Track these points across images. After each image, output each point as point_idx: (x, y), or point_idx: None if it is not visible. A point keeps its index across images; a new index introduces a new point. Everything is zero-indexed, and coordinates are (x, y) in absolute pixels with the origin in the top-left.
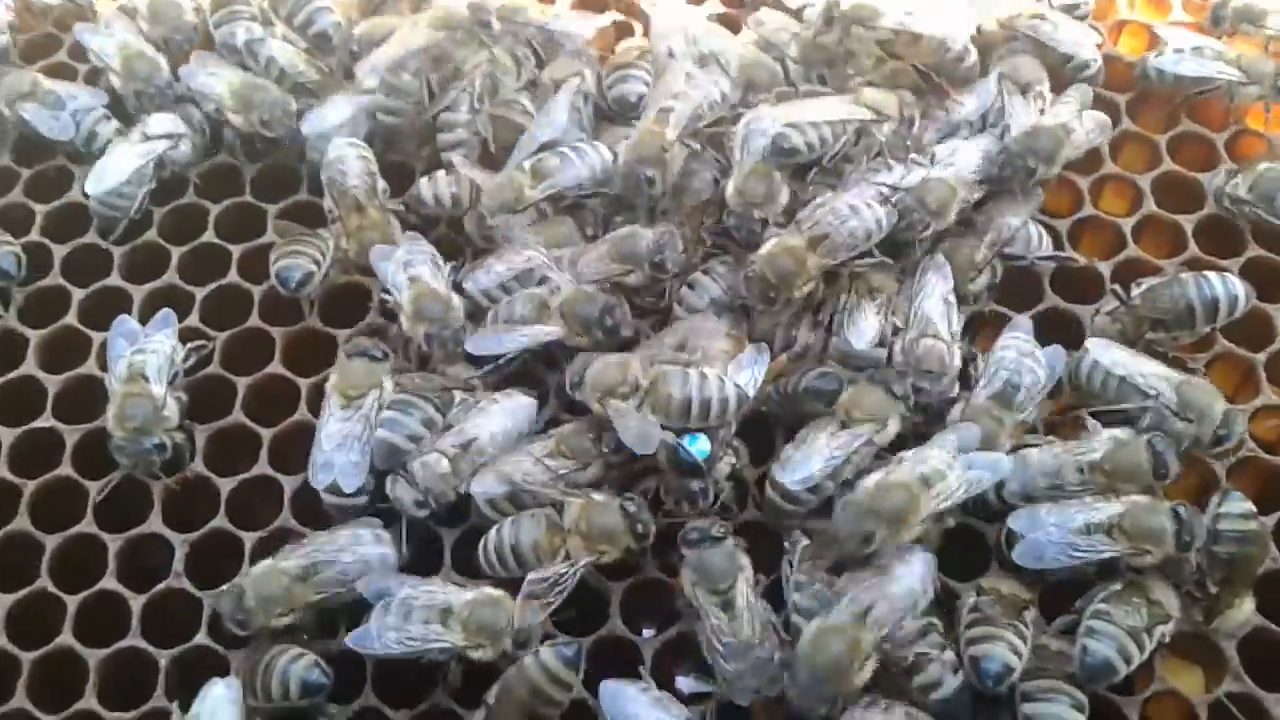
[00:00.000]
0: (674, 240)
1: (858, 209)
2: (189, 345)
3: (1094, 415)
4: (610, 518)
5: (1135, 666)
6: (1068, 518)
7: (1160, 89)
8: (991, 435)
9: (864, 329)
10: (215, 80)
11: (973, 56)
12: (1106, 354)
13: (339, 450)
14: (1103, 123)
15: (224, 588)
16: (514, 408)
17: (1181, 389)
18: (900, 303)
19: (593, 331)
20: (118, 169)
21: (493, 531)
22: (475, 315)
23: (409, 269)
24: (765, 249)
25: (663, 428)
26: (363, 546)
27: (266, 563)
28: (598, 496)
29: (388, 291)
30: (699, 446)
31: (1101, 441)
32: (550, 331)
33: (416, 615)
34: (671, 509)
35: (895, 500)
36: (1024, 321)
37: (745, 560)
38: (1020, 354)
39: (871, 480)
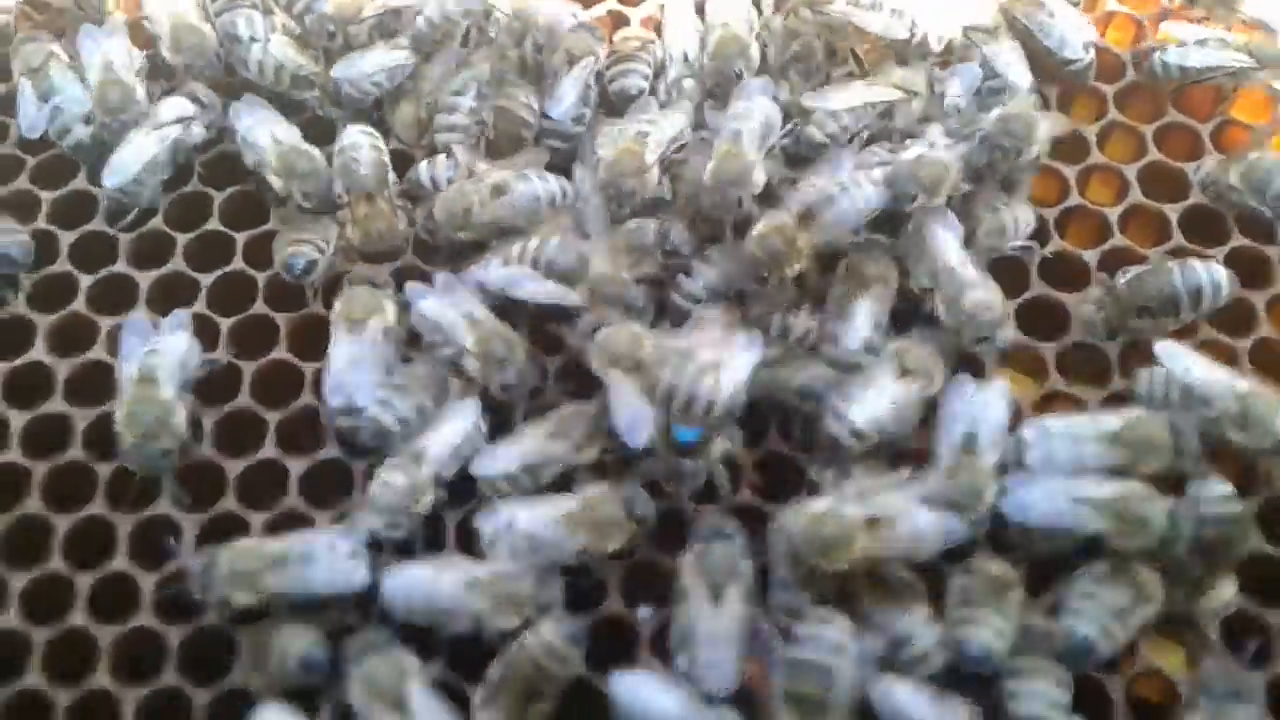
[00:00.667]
0: (674, 225)
1: (847, 187)
2: (203, 358)
3: None
4: (610, 509)
5: (1119, 647)
6: (1063, 486)
7: (1166, 83)
8: (969, 486)
9: (857, 327)
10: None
11: (920, 34)
12: (1178, 360)
13: (350, 370)
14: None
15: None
16: (457, 410)
17: (1246, 400)
18: (911, 261)
19: (617, 307)
20: (135, 157)
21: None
22: None
23: (459, 306)
24: (756, 228)
25: None
26: (338, 560)
27: (252, 540)
28: (593, 490)
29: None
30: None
31: (1121, 414)
32: (569, 296)
33: (447, 579)
34: (667, 490)
35: (830, 532)
36: (964, 379)
37: (747, 566)
38: (968, 401)
39: (820, 504)
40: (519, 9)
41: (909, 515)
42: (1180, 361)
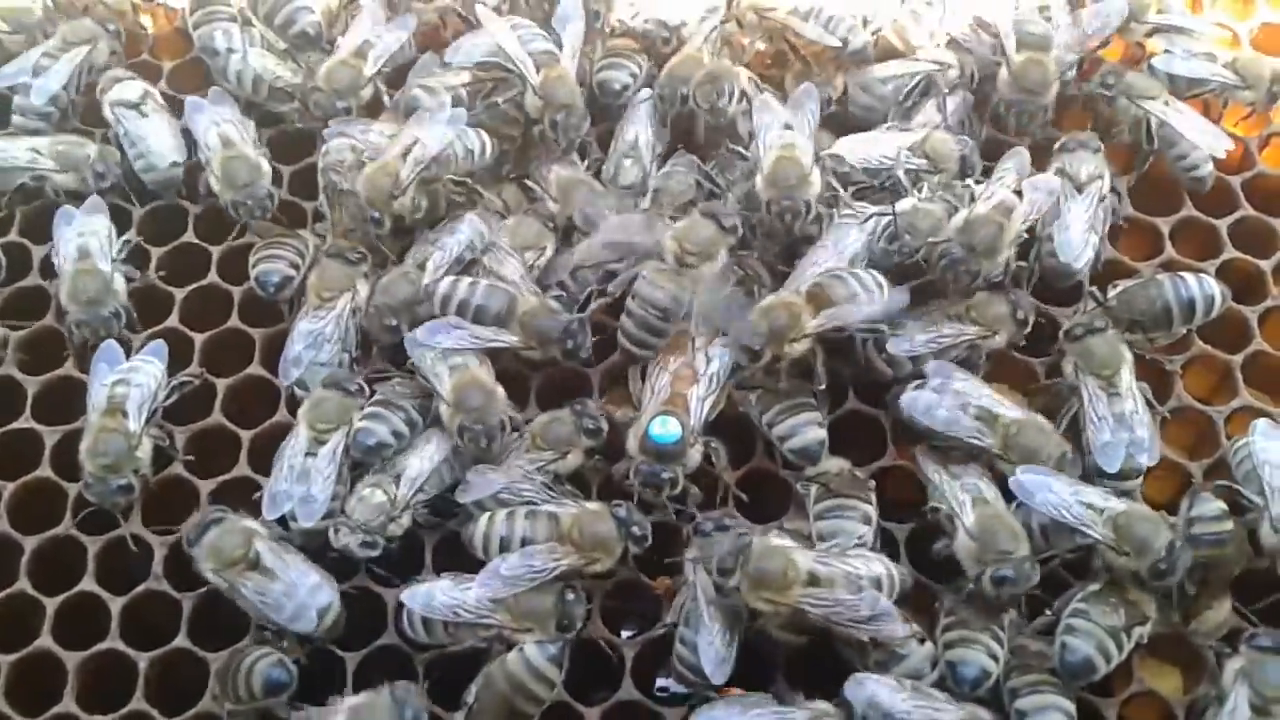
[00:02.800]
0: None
1: (863, 281)
2: (175, 380)
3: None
4: (603, 526)
5: (1114, 666)
6: (1076, 490)
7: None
8: (1008, 531)
9: (916, 347)
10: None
11: (857, 43)
12: (1267, 444)
13: (308, 349)
14: (1052, 188)
15: None
16: (441, 438)
17: None
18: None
19: (549, 348)
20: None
21: (484, 521)
22: None
23: (449, 358)
24: (766, 300)
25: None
26: (300, 584)
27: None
28: (590, 505)
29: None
30: (669, 429)
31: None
32: (502, 338)
33: (472, 594)
34: (644, 498)
35: (773, 565)
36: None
37: None
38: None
39: (780, 539)
40: (546, 91)
41: (852, 584)
42: (1266, 446)
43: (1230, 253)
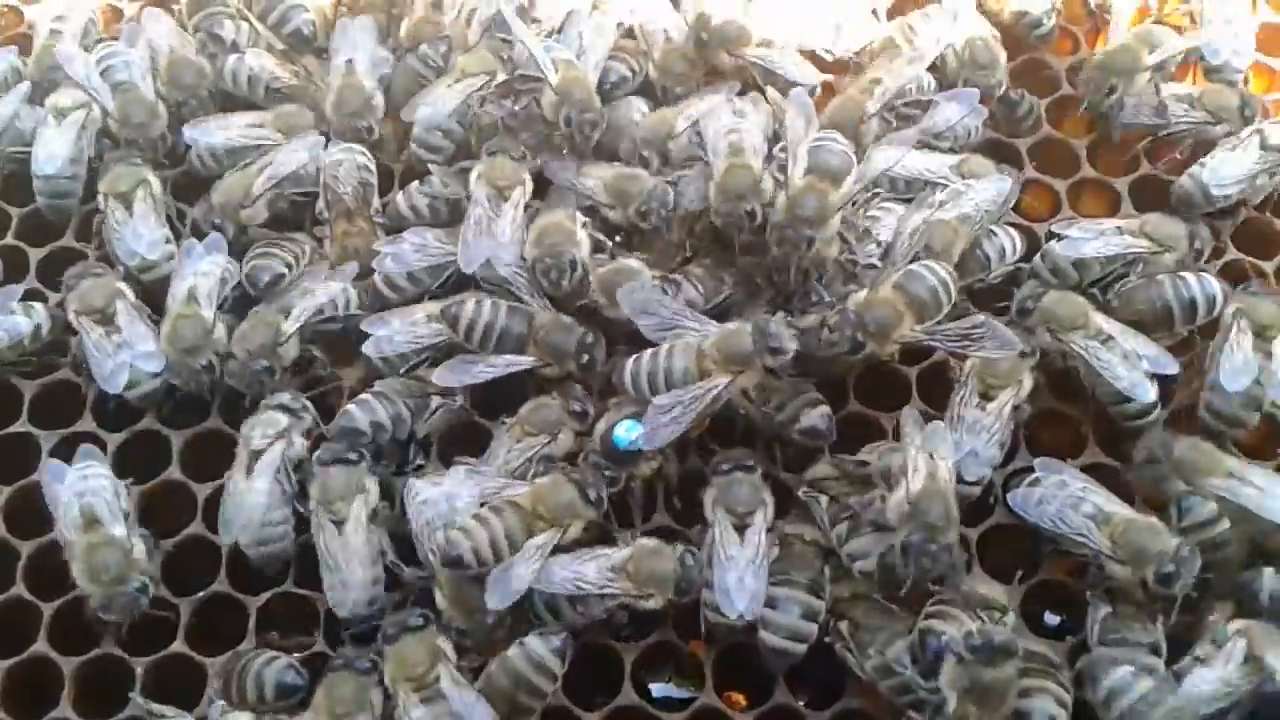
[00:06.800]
0: (665, 195)
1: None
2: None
3: None
4: (564, 494)
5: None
6: (1077, 496)
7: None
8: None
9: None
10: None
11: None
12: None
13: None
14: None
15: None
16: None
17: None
18: None
19: (565, 363)
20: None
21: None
22: None
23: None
24: (860, 296)
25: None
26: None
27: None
28: (544, 479)
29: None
30: (633, 438)
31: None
32: (521, 361)
33: (591, 565)
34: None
35: None
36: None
37: (770, 500)
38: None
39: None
40: (563, 89)
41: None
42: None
43: (1232, 253)
